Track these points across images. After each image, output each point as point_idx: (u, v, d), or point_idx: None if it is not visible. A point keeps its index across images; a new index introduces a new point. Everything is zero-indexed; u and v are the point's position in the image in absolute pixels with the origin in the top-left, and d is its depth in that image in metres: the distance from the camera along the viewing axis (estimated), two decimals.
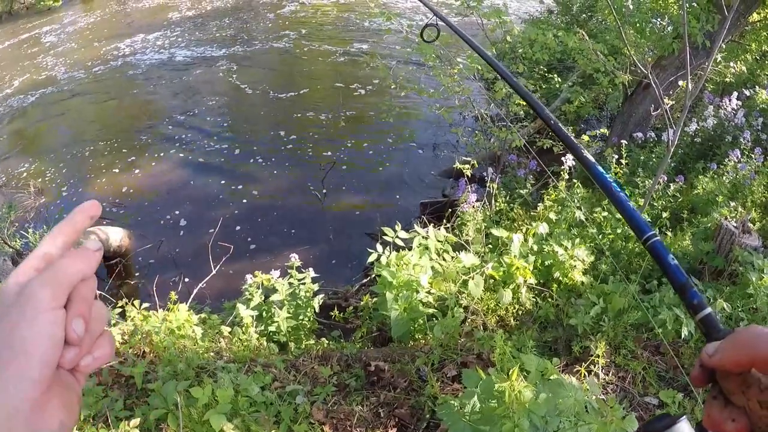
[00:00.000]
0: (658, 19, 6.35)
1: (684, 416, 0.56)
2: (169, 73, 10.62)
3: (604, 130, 5.76)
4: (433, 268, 3.21)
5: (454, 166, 5.17)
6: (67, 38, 13.08)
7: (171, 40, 12.30)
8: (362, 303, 3.83)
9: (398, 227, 3.27)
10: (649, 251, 0.67)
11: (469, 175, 4.76)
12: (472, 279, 3.11)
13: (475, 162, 5.13)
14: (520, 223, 5.14)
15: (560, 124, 1.07)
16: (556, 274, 3.60)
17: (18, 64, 11.64)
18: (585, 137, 5.53)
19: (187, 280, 5.11)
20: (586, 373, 2.81)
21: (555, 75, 7.34)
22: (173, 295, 3.12)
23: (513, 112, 5.74)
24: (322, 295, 3.30)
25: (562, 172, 5.03)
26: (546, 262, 3.61)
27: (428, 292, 3.12)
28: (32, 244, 5.74)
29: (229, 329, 2.91)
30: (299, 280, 3.18)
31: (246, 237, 6.21)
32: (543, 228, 3.65)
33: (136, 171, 7.50)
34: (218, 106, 9.29)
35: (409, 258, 3.06)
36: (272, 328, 2.99)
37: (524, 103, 5.54)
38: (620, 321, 3.25)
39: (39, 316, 0.43)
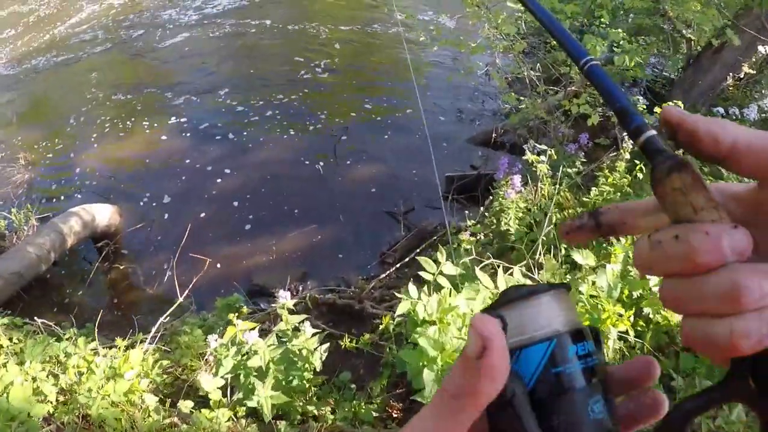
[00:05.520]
0: None
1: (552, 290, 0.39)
2: (172, 39, 9.46)
3: (676, 103, 4.67)
4: None
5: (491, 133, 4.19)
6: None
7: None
8: (381, 326, 2.86)
9: (442, 256, 2.17)
10: (586, 76, 0.47)
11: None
12: None
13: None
14: (570, 211, 4.23)
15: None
16: (646, 310, 2.63)
17: (16, 29, 10.61)
18: (641, 105, 4.51)
19: (178, 269, 4.20)
20: None
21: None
22: (120, 342, 2.16)
23: (567, 74, 4.66)
24: (326, 345, 2.30)
25: (623, 150, 4.10)
26: (634, 293, 2.63)
27: None
28: (15, 224, 5.08)
29: (191, 404, 1.98)
30: (294, 327, 2.18)
31: (244, 215, 5.36)
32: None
33: (131, 141, 6.67)
34: (222, 71, 8.23)
35: (459, 309, 2.02)
36: (252, 404, 2.04)
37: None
38: None
39: None
